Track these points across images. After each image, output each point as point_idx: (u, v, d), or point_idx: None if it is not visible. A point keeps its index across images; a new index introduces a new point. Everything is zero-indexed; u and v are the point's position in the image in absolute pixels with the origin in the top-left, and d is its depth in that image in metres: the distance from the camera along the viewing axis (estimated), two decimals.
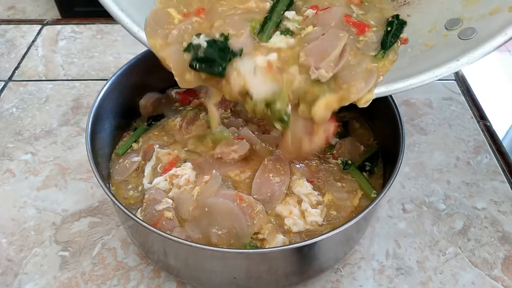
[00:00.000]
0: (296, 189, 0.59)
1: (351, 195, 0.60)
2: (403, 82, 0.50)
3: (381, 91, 0.51)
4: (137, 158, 0.65)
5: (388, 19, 0.55)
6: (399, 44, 0.54)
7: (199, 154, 0.63)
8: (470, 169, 0.76)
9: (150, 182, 0.61)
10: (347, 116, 0.71)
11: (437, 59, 0.49)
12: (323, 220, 0.58)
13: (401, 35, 0.54)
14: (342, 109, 0.51)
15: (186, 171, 0.59)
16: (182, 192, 0.58)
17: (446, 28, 0.52)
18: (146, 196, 0.58)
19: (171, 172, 0.60)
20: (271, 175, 0.59)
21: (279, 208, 0.58)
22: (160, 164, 0.62)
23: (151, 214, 0.56)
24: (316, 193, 0.59)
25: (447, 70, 0.48)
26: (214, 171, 0.59)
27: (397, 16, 0.55)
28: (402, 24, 0.54)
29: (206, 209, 0.55)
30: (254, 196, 0.57)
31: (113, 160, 0.66)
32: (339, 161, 0.64)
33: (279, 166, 0.60)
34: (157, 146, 0.64)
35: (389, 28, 0.54)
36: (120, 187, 0.63)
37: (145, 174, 0.62)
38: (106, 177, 0.63)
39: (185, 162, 0.62)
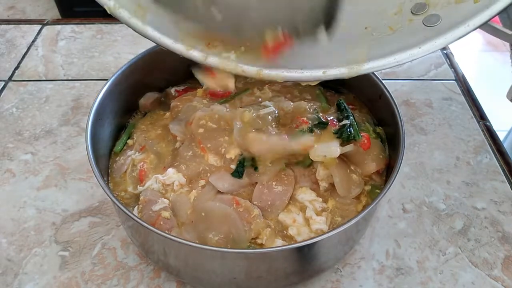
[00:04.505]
0: (299, 196, 0.58)
1: (354, 199, 0.59)
2: (364, 65, 0.49)
3: (341, 72, 0.49)
4: (130, 152, 0.64)
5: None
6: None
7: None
8: (470, 169, 0.75)
9: (139, 187, 0.60)
10: None
11: (400, 44, 0.48)
12: (329, 227, 0.56)
13: None
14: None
15: (173, 178, 0.58)
16: (178, 195, 0.58)
17: (412, 13, 0.50)
18: (141, 197, 0.58)
19: (160, 178, 0.59)
20: (274, 183, 0.58)
21: (282, 216, 0.57)
22: (135, 172, 0.62)
23: (148, 215, 0.56)
24: (320, 199, 0.58)
25: (409, 56, 0.47)
26: (210, 176, 0.58)
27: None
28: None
29: (203, 214, 0.55)
30: (254, 203, 0.57)
31: (112, 159, 0.65)
32: None
33: (283, 175, 0.59)
34: (136, 153, 0.64)
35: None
36: (118, 186, 0.62)
37: (128, 181, 0.62)
38: (106, 177, 0.63)
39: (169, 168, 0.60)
